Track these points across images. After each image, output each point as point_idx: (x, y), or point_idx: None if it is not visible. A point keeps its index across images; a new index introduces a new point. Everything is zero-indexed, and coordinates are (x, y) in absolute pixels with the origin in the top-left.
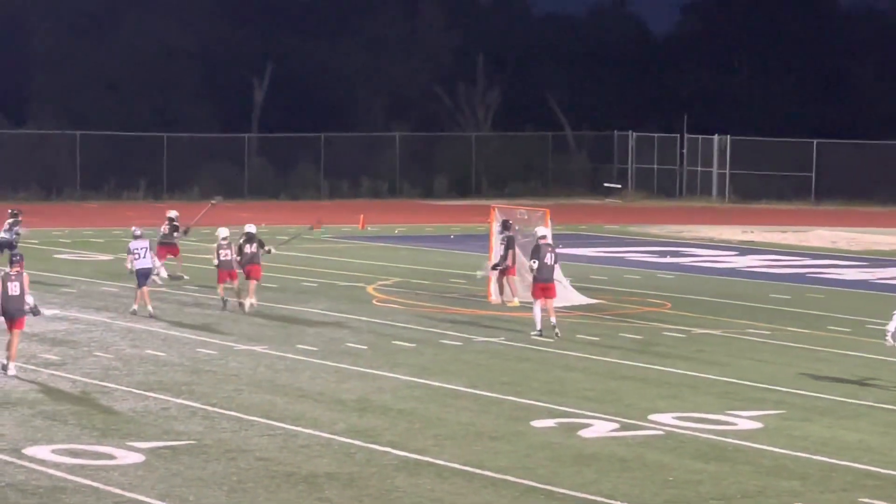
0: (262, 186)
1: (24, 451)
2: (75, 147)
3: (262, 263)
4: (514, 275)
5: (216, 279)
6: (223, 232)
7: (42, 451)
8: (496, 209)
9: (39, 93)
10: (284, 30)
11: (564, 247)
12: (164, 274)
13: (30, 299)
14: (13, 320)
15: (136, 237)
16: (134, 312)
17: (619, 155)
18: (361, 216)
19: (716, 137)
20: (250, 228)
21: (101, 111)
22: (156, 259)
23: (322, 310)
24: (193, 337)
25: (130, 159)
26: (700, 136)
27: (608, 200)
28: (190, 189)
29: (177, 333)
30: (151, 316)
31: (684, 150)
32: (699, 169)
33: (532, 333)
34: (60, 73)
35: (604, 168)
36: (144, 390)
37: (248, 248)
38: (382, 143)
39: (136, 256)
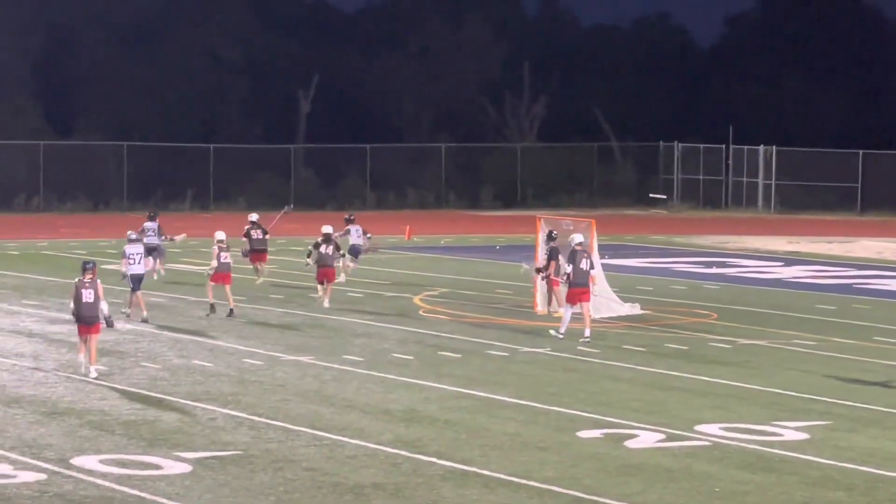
0: (308, 197)
1: (71, 460)
2: (122, 158)
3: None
4: (557, 286)
5: (211, 281)
6: (220, 235)
7: (90, 461)
8: (542, 220)
9: (87, 105)
10: (331, 41)
11: (610, 258)
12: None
13: (105, 307)
14: (88, 326)
15: (130, 241)
16: (127, 315)
17: (664, 166)
18: (407, 227)
19: (761, 148)
20: (327, 230)
21: (148, 123)
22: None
23: (368, 320)
24: (240, 347)
25: (177, 170)
26: (745, 147)
27: (654, 211)
28: (236, 200)
29: (223, 344)
30: (144, 321)
31: (730, 161)
32: (745, 180)
33: (553, 332)
34: (108, 86)
35: (649, 179)
36: (191, 400)
37: (324, 249)
38: (428, 154)
39: (132, 261)
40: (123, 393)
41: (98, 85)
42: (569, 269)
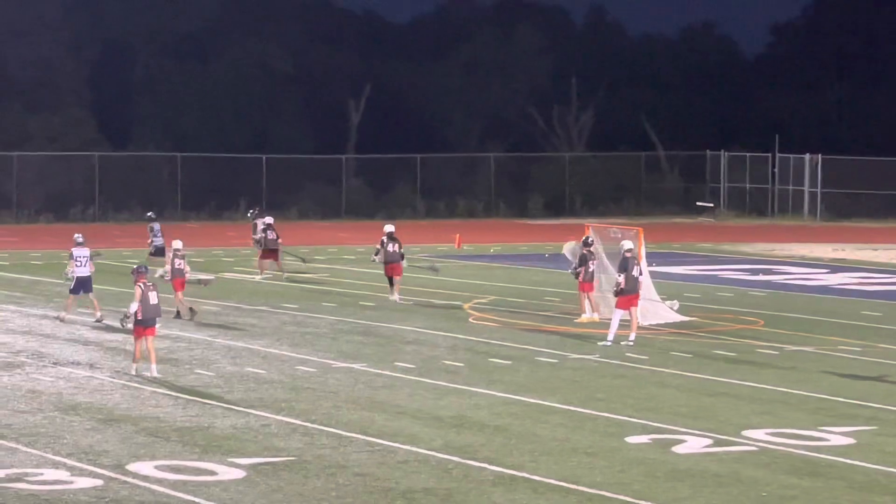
0: (359, 206)
1: (127, 466)
2: (176, 169)
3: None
4: (591, 291)
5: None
6: (178, 244)
7: (145, 467)
8: (590, 228)
9: (141, 116)
10: (381, 52)
11: (657, 265)
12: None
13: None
14: (146, 328)
15: (78, 244)
16: (61, 319)
17: (711, 174)
18: (457, 235)
19: (807, 156)
20: (390, 228)
21: (201, 133)
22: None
23: (419, 327)
24: (293, 354)
25: (230, 180)
26: (791, 156)
27: (701, 219)
28: (288, 209)
29: (276, 351)
30: (98, 321)
31: (776, 170)
32: (791, 188)
33: (602, 343)
34: (162, 97)
35: (696, 187)
36: (245, 407)
37: (391, 247)
38: (478, 163)
39: (79, 264)
40: (178, 400)
41: (152, 97)
42: (620, 277)
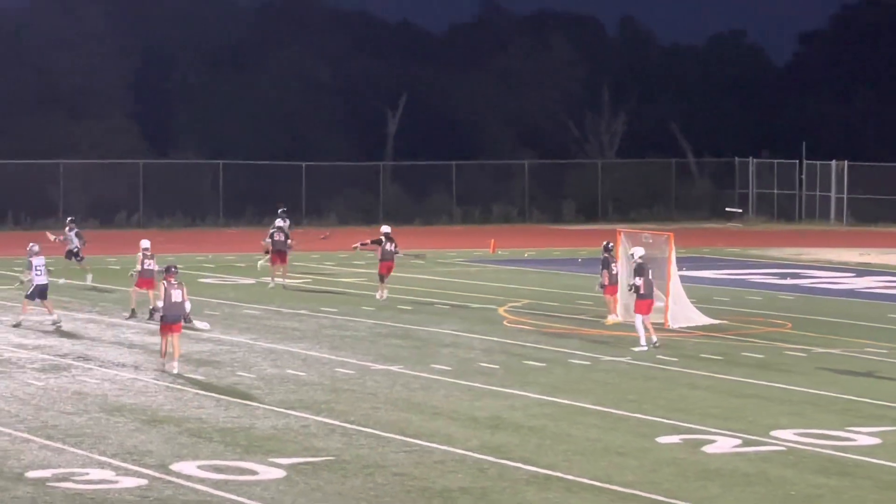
0: (396, 212)
1: (171, 466)
2: (218, 176)
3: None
4: (615, 293)
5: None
6: (145, 243)
7: (188, 467)
8: (622, 233)
9: (184, 125)
10: (418, 62)
11: (687, 269)
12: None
13: (188, 307)
14: (171, 324)
15: (34, 254)
16: (18, 325)
17: (740, 180)
18: (492, 241)
19: (833, 163)
20: (386, 229)
21: (242, 141)
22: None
23: (455, 330)
24: (332, 357)
25: (270, 187)
26: (818, 162)
27: (730, 224)
28: (328, 215)
29: (316, 354)
30: (55, 323)
31: (803, 176)
32: (817, 193)
33: (636, 349)
34: (204, 106)
35: (725, 193)
36: (285, 408)
37: (388, 246)
38: (512, 170)
39: (38, 273)
40: (220, 401)
41: (194, 105)
42: (639, 281)
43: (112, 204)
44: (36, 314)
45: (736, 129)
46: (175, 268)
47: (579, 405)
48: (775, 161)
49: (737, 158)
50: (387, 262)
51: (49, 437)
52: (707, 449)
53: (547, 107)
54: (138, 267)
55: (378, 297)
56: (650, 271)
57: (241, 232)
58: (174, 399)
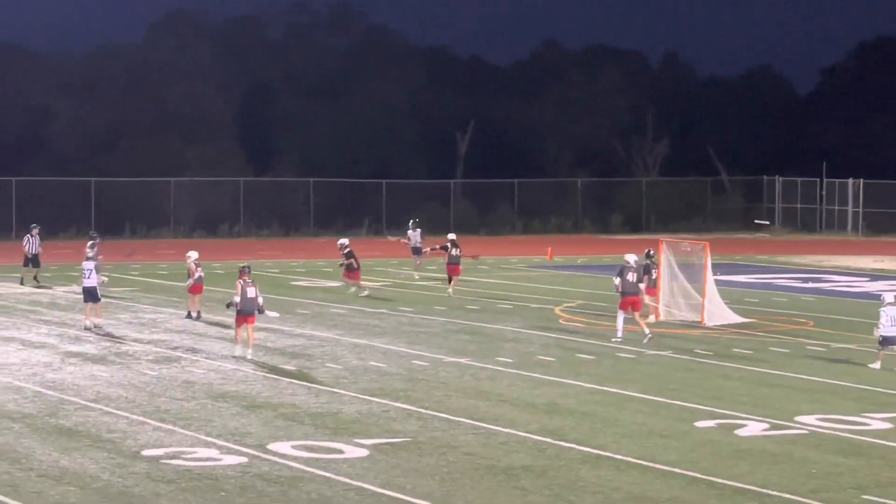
0: (465, 224)
1: (268, 446)
2: (310, 192)
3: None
4: (652, 295)
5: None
6: (194, 254)
7: (283, 447)
8: (664, 242)
9: (281, 147)
10: (486, 91)
11: (722, 274)
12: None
13: (261, 300)
14: (246, 317)
15: (87, 258)
16: (87, 328)
17: (767, 196)
18: (549, 249)
19: (850, 181)
20: (452, 236)
21: (331, 161)
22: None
23: (516, 327)
24: (409, 351)
25: (355, 202)
26: (837, 180)
27: (758, 235)
28: (406, 227)
29: (395, 348)
30: (87, 329)
31: (823, 192)
32: (836, 208)
33: (613, 340)
34: (299, 131)
35: (755, 207)
36: (368, 396)
37: (453, 252)
38: (567, 187)
39: (85, 276)
40: (311, 389)
41: (290, 130)
42: (617, 281)
43: (216, 216)
44: (149, 311)
45: (764, 151)
46: (248, 268)
47: (626, 393)
48: (799, 179)
49: (765, 177)
50: (453, 265)
51: (162, 420)
52: (739, 432)
53: (598, 131)
54: (197, 274)
55: (449, 291)
56: (633, 274)
57: (330, 241)
58: (271, 387)
